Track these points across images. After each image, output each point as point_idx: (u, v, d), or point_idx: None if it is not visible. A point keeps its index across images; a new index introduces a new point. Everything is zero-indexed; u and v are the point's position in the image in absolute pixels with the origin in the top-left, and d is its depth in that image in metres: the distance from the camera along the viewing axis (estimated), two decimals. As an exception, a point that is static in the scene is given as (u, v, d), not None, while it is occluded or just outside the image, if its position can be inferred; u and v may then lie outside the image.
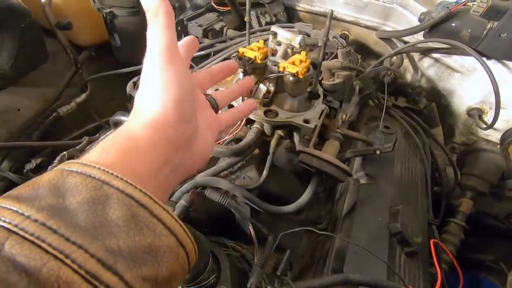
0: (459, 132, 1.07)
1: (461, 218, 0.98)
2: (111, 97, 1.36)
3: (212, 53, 1.03)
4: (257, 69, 0.69)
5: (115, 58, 1.29)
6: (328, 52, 1.01)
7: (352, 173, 0.63)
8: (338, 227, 0.65)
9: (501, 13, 0.73)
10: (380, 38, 1.09)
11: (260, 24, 1.15)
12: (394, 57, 1.05)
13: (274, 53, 0.69)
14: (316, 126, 0.63)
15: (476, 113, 0.96)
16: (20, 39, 0.89)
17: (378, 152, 0.59)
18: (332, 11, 0.56)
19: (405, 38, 1.05)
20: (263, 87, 0.69)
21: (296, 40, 0.66)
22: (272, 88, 0.68)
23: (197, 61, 1.06)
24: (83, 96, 1.21)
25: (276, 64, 0.63)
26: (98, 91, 1.29)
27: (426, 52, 1.02)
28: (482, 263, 1.07)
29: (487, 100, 0.93)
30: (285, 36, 0.67)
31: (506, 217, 1.08)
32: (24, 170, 0.57)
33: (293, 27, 1.08)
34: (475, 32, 0.79)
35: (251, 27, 1.17)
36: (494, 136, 0.98)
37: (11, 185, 0.72)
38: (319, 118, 0.65)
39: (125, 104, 0.99)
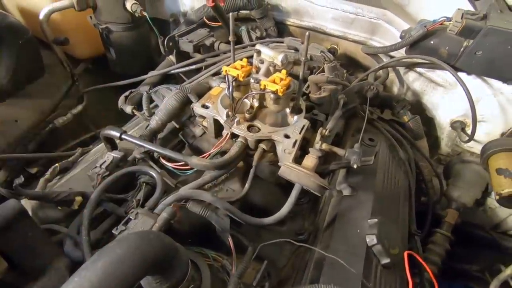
0: (444, 144, 1.10)
1: (447, 229, 1.00)
2: (107, 108, 1.39)
3: (203, 67, 1.06)
4: (241, 86, 0.72)
5: (111, 71, 1.33)
6: (315, 66, 1.05)
7: (330, 187, 0.65)
8: (319, 238, 0.67)
9: (475, 32, 0.76)
10: (365, 53, 1.13)
11: (250, 39, 1.18)
12: (380, 71, 1.09)
13: (258, 70, 0.72)
14: (296, 140, 0.66)
15: (459, 126, 0.98)
16: (18, 55, 0.93)
17: (355, 166, 0.61)
18: (309, 33, 0.59)
19: (391, 53, 1.09)
20: (247, 102, 0.72)
21: (279, 58, 0.69)
22: (255, 104, 0.71)
23: (189, 75, 1.10)
24: (79, 107, 1.24)
25: (258, 81, 0.66)
26: (94, 102, 1.33)
27: (410, 66, 1.05)
28: (468, 273, 1.08)
29: (469, 113, 0.95)
30: (268, 54, 0.70)
31: (492, 228, 1.10)
32: (14, 185, 0.57)
33: (282, 42, 1.12)
34: (452, 49, 0.83)
35: (241, 42, 1.21)
36: (477, 148, 1.01)
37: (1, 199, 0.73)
38: (300, 133, 0.68)
39: (120, 115, 1.02)
